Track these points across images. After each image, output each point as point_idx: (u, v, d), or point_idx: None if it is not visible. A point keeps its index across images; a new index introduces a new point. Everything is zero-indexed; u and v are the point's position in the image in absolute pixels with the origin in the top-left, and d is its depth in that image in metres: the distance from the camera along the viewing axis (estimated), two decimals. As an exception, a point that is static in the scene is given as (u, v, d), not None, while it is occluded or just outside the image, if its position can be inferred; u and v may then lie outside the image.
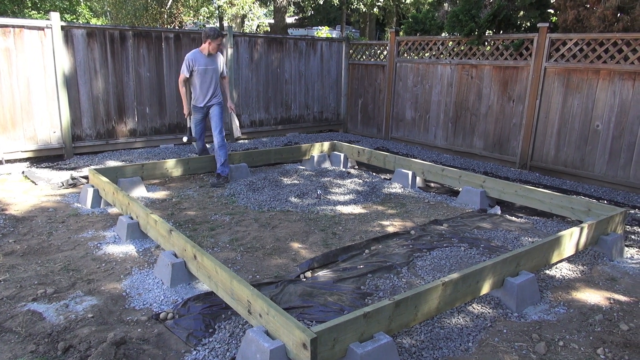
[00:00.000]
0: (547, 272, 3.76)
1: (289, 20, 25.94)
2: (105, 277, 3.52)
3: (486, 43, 7.71)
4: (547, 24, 6.78)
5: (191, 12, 16.44)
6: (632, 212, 5.38)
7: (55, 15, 6.73)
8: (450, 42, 8.19)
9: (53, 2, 14.35)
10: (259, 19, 20.60)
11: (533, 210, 5.27)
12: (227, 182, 5.99)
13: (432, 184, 6.37)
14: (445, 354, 2.74)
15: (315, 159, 7.03)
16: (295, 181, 6.16)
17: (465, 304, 3.21)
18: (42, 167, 6.57)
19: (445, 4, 10.34)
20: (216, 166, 6.03)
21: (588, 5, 6.78)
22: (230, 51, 8.45)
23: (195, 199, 5.39)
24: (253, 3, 17.93)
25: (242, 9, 17.46)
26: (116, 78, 7.43)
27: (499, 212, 5.22)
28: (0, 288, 3.30)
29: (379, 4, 20.32)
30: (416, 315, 2.81)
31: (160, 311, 3.09)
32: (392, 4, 20.06)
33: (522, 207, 5.39)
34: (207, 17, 18.99)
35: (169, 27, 14.49)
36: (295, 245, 4.19)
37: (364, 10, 21.18)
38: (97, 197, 5.04)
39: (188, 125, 6.19)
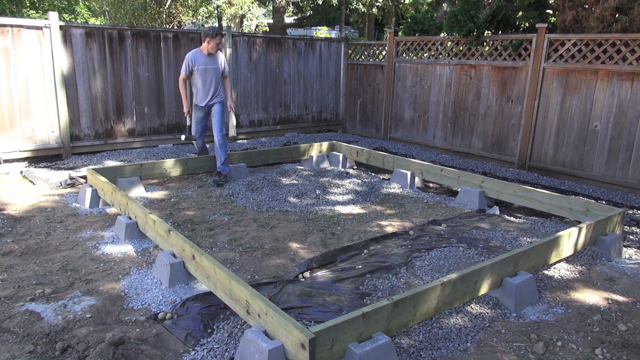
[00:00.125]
0: (546, 272, 3.76)
1: (288, 20, 25.93)
2: (103, 277, 3.51)
3: (485, 43, 7.72)
4: (546, 25, 6.79)
5: (190, 12, 16.43)
6: (631, 212, 5.39)
7: (53, 15, 6.72)
8: (449, 43, 8.19)
9: (51, 2, 14.30)
10: (258, 19, 20.59)
11: (531, 210, 5.27)
12: (227, 181, 6.00)
13: (431, 184, 6.37)
14: (443, 354, 2.74)
15: (314, 159, 7.03)
16: (294, 181, 6.16)
17: (464, 304, 3.21)
18: (40, 167, 6.56)
19: (444, 4, 10.36)
20: (216, 165, 6.04)
21: (587, 6, 6.80)
22: (229, 51, 8.45)
23: (193, 199, 5.39)
24: (252, 3, 17.92)
25: (241, 9, 17.46)
26: (115, 78, 7.42)
27: (498, 212, 5.22)
28: (-2, 288, 3.30)
29: (378, 4, 20.34)
30: (415, 316, 2.81)
31: (158, 311, 3.09)
32: (391, 4, 20.09)
33: (520, 207, 5.39)
34: (206, 17, 18.97)
35: (167, 27, 14.48)
36: (294, 245, 4.19)
37: (362, 10, 21.19)
38: (95, 197, 5.04)
39: (187, 124, 6.20)
